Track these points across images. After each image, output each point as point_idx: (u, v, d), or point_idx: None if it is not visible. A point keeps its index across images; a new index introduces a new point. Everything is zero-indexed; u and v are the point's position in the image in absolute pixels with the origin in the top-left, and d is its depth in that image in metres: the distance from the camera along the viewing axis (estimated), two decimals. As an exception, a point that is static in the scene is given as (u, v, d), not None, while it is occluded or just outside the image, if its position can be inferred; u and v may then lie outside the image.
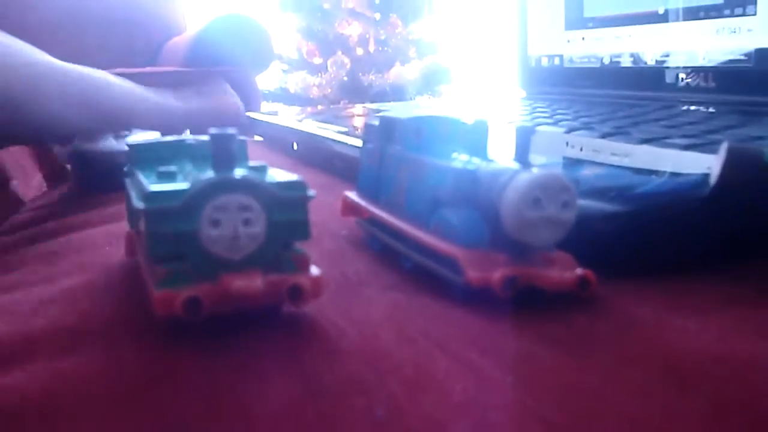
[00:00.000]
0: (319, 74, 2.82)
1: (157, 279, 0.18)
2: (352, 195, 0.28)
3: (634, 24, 0.59)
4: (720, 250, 0.21)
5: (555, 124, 0.45)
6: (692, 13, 0.53)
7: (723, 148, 0.21)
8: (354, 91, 2.75)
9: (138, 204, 0.19)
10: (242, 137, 0.20)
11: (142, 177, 0.20)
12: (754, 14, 0.49)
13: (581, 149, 0.38)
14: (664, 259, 0.21)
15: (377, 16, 2.83)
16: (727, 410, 0.14)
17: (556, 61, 0.69)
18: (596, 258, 0.20)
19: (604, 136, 0.38)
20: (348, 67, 2.79)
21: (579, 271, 0.19)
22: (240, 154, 0.20)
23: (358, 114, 0.64)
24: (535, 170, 0.19)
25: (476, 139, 0.23)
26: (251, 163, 0.21)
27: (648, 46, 0.58)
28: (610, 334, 0.18)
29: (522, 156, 0.20)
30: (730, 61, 0.51)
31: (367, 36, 2.85)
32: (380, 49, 2.83)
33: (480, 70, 1.22)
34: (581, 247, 0.20)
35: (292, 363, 0.17)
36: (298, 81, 2.84)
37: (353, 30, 2.88)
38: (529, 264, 0.19)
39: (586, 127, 0.42)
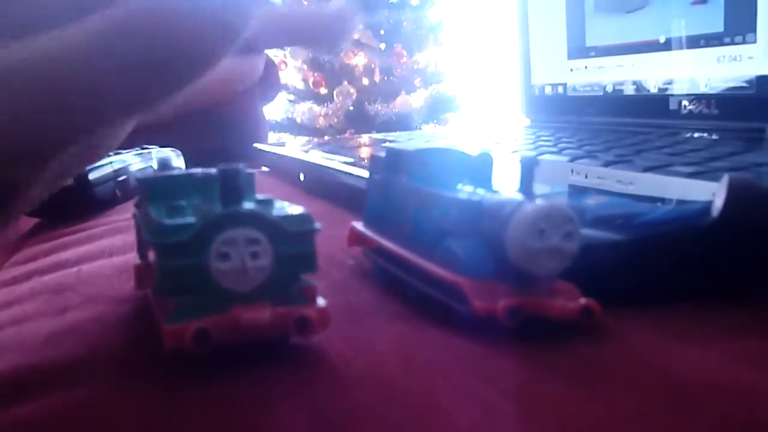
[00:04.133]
0: (326, 104, 2.85)
1: (167, 312, 0.19)
2: (359, 225, 0.28)
3: (636, 53, 0.60)
4: (723, 279, 0.21)
5: (559, 152, 0.46)
6: (693, 42, 0.54)
7: (724, 181, 0.21)
8: (360, 120, 2.77)
9: (149, 237, 0.20)
10: (250, 170, 0.21)
11: (152, 211, 0.21)
12: (755, 42, 0.49)
13: (586, 177, 0.38)
14: (667, 288, 0.21)
15: (382, 46, 2.87)
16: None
17: (560, 89, 0.69)
18: (599, 287, 0.20)
19: (607, 164, 0.38)
20: (354, 97, 2.82)
21: (582, 300, 0.19)
22: (247, 186, 0.20)
23: (365, 144, 0.65)
24: (539, 201, 0.19)
25: (481, 171, 0.23)
26: (258, 197, 0.21)
27: (650, 74, 0.58)
28: (613, 363, 0.18)
29: (526, 187, 0.21)
30: (732, 88, 0.51)
31: (373, 66, 2.88)
32: (386, 78, 2.86)
33: (485, 98, 1.23)
34: (584, 276, 0.20)
35: (300, 393, 0.17)
36: (304, 111, 2.87)
37: (359, 60, 2.91)
38: (533, 294, 0.20)
39: (590, 155, 0.42)
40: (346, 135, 1.97)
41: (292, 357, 0.19)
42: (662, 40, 0.57)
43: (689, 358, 0.18)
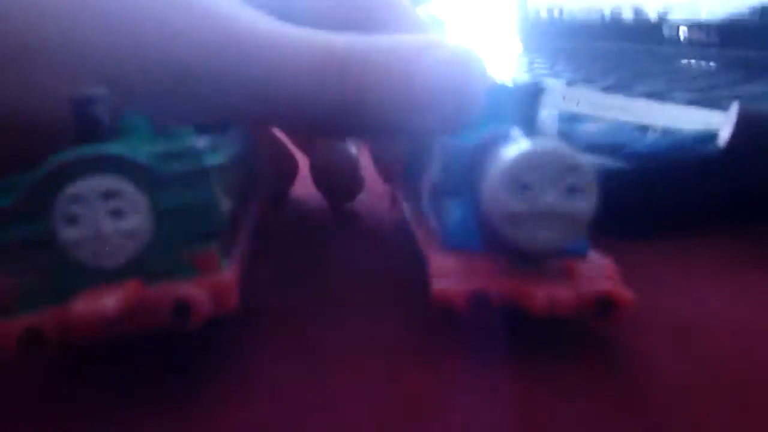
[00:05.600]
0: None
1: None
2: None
3: (637, -24, 0.57)
4: (728, 210, 0.20)
5: (555, 76, 0.44)
6: (697, -34, 0.52)
7: (734, 110, 0.20)
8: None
9: None
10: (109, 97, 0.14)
11: None
12: (762, -33, 0.47)
13: (580, 103, 0.37)
14: (672, 218, 0.20)
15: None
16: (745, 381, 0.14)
17: (556, 13, 0.67)
18: (600, 217, 0.19)
19: (605, 89, 0.37)
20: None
21: (602, 285, 0.14)
22: (138, 124, 0.15)
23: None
24: (522, 143, 0.14)
25: (525, 106, 0.17)
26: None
27: (650, 0, 0.56)
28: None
29: (526, 124, 0.16)
30: (734, 15, 0.49)
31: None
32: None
33: (477, 22, 1.19)
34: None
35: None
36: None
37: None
38: (530, 275, 0.14)
39: (587, 80, 0.41)
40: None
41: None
42: (665, -38, 0.55)
43: (693, 293, 0.17)
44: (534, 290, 0.14)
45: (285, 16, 0.17)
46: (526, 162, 0.14)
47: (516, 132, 0.15)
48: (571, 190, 0.14)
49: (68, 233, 0.13)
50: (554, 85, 0.41)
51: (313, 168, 0.25)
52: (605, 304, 0.14)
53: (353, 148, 0.25)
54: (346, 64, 0.16)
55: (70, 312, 0.12)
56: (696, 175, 0.20)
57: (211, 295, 0.13)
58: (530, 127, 0.15)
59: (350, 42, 0.16)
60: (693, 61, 0.51)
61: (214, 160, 0.14)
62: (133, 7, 0.15)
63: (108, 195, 0.13)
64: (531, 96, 0.16)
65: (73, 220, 0.13)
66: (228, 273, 0.14)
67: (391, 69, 0.16)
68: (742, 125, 0.20)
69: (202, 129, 0.15)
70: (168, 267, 0.14)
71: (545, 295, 0.14)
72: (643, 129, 0.26)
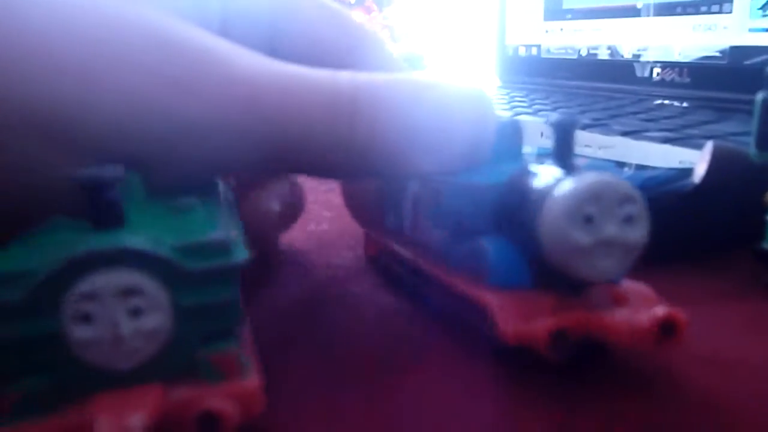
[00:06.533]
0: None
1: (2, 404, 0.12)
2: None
3: (612, 17, 0.59)
4: (702, 245, 0.21)
5: (534, 114, 0.45)
6: (670, 9, 0.54)
7: (708, 148, 0.21)
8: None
9: None
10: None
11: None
12: (730, 12, 0.49)
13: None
14: (648, 252, 0.21)
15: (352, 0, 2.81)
16: (715, 409, 0.14)
17: (534, 51, 0.69)
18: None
19: (584, 127, 0.38)
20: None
21: (660, 310, 0.14)
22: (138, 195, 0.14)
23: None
24: (582, 176, 0.14)
25: (508, 144, 0.17)
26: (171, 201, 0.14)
27: (625, 40, 0.58)
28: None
29: (562, 158, 0.15)
30: (705, 57, 0.51)
31: (342, 19, 2.82)
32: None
33: (456, 58, 1.21)
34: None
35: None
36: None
37: (327, 13, 2.85)
38: (586, 308, 0.15)
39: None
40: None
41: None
42: (639, 5, 0.57)
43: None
44: (612, 320, 0.14)
45: (271, 54, 0.16)
46: (588, 193, 0.14)
47: (543, 168, 0.15)
48: (628, 219, 0.14)
49: (80, 332, 0.12)
50: (536, 122, 0.42)
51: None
52: (667, 327, 0.14)
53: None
54: (355, 101, 0.15)
55: (90, 427, 0.11)
56: (671, 209, 0.21)
57: (238, 404, 0.12)
58: (568, 163, 0.15)
59: (354, 78, 0.15)
60: (666, 100, 0.52)
61: (241, 255, 0.13)
62: (138, 68, 0.14)
63: (127, 292, 0.12)
64: (515, 132, 0.17)
65: (86, 318, 0.12)
66: (253, 378, 0.13)
67: (402, 105, 0.15)
68: (717, 162, 0.21)
69: (186, 190, 0.15)
70: (186, 368, 0.12)
71: (625, 323, 0.14)
72: (620, 166, 0.27)
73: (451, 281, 0.17)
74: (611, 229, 0.14)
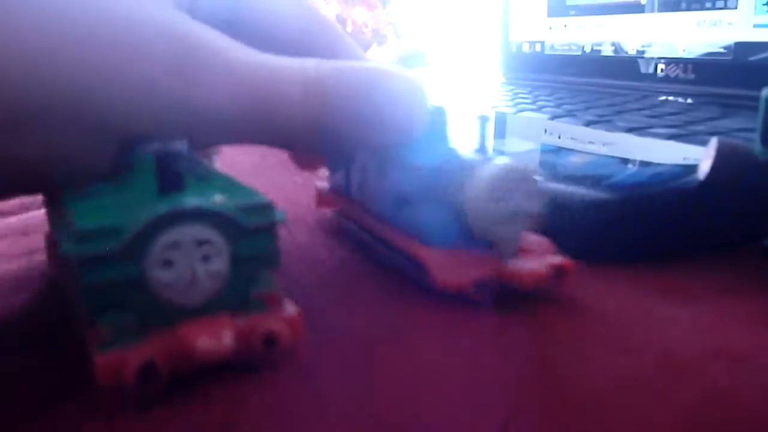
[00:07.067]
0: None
1: (96, 336, 0.14)
2: (323, 185, 0.28)
3: (616, 13, 0.59)
4: (707, 241, 0.21)
5: (538, 110, 0.45)
6: (674, 5, 0.54)
7: (713, 144, 0.21)
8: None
9: (66, 247, 0.14)
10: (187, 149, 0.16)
11: (68, 207, 0.16)
12: (735, 7, 0.49)
13: (563, 137, 0.38)
14: (652, 248, 0.21)
15: (355, -4, 2.81)
16: (720, 403, 0.14)
17: (538, 47, 0.69)
18: (586, 246, 0.20)
19: (587, 124, 0.38)
20: (325, 46, 2.76)
21: (553, 259, 0.19)
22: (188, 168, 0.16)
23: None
24: (496, 161, 0.19)
25: (436, 127, 0.21)
26: (198, 172, 0.17)
27: (629, 36, 0.58)
28: (601, 324, 0.18)
29: (482, 146, 0.20)
30: (710, 53, 0.51)
31: (345, 16, 2.82)
32: (359, 28, 2.81)
33: (459, 54, 1.21)
34: (571, 235, 0.20)
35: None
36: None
37: (331, 9, 2.85)
38: (500, 260, 0.19)
39: (570, 114, 0.42)
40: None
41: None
42: (643, 1, 0.56)
43: (673, 318, 0.18)
44: (520, 271, 0.18)
45: (251, 44, 0.18)
46: (498, 175, 0.18)
47: (467, 154, 0.20)
48: (528, 195, 0.19)
49: (163, 275, 0.15)
50: (540, 118, 0.42)
51: None
52: (560, 271, 0.19)
53: None
54: (323, 85, 0.18)
55: (191, 346, 0.14)
56: (676, 205, 0.21)
57: (288, 328, 0.16)
58: (484, 150, 0.20)
59: (320, 65, 0.18)
60: (671, 97, 0.52)
61: (280, 215, 0.16)
62: (149, 59, 0.16)
63: (201, 242, 0.15)
64: (441, 115, 0.20)
65: (168, 264, 0.15)
66: (292, 308, 0.16)
67: (360, 89, 0.18)
68: (722, 158, 0.21)
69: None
70: (241, 303, 0.16)
71: (529, 273, 0.18)
72: (624, 162, 0.27)
73: (395, 238, 0.21)
74: (517, 202, 0.18)
